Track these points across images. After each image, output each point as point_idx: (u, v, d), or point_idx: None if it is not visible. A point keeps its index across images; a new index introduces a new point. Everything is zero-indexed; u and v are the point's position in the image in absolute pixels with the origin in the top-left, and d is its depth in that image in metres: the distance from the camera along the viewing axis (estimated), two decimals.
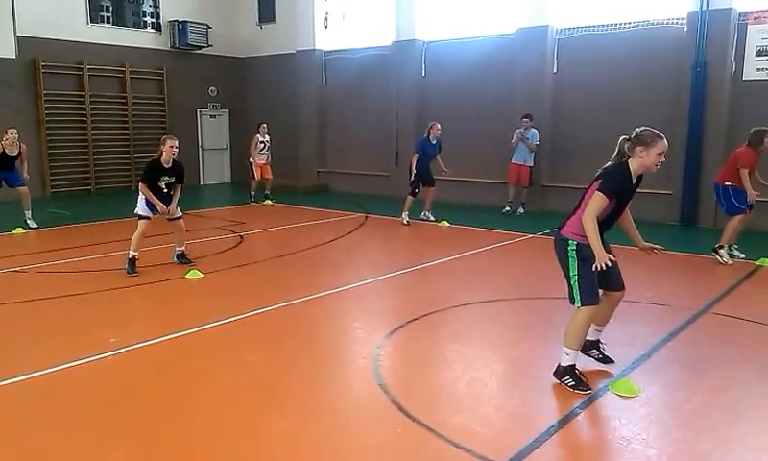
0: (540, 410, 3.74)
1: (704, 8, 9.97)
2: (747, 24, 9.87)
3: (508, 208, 11.56)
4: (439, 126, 10.19)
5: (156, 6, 15.42)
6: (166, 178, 7.00)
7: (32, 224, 9.60)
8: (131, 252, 6.84)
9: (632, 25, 10.89)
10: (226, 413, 3.62)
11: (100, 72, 14.45)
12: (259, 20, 16.85)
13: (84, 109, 14.25)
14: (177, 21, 15.49)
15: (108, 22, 14.63)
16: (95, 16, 14.36)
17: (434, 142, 10.17)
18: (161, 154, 6.89)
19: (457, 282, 6.81)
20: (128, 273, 6.77)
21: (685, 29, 10.28)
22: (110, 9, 14.63)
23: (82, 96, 14.18)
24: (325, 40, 15.57)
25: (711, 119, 10.14)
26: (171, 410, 3.69)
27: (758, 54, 9.79)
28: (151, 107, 15.48)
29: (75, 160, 14.35)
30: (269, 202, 12.85)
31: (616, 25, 11.06)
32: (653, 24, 10.68)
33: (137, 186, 7.19)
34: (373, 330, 5.17)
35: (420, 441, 3.31)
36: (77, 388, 3.99)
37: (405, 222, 10.18)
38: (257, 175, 12.94)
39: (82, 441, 3.33)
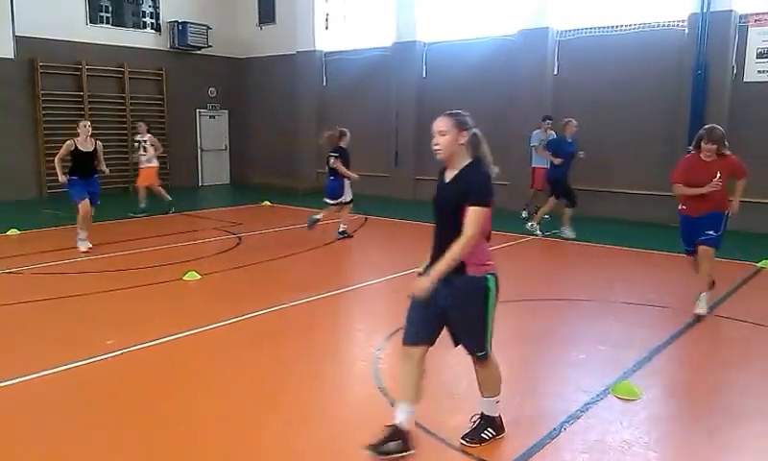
0: (541, 413, 3.71)
1: (704, 10, 9.96)
2: (748, 26, 9.86)
3: (548, 216, 10.18)
4: (575, 122, 9.13)
5: (155, 6, 15.41)
6: None
7: (83, 245, 8.11)
8: (342, 226, 9.07)
9: (633, 27, 10.87)
10: (224, 416, 3.58)
11: (98, 72, 14.41)
12: (259, 21, 16.84)
13: (82, 110, 14.21)
14: (176, 22, 15.48)
15: (108, 22, 14.61)
16: (94, 17, 14.35)
17: (570, 140, 9.10)
18: (346, 141, 8.88)
19: None
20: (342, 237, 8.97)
21: (686, 31, 10.26)
22: (110, 9, 14.62)
23: (80, 96, 14.15)
24: (326, 41, 15.56)
25: (712, 121, 9.97)
26: (169, 412, 3.66)
27: (759, 56, 9.78)
28: (150, 107, 15.45)
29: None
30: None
31: (617, 27, 11.04)
32: (654, 26, 10.66)
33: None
34: (373, 333, 5.14)
35: (420, 444, 3.27)
36: (74, 390, 3.96)
37: (571, 236, 8.99)
38: (142, 181, 11.41)
39: (80, 443, 3.30)
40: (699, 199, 5.24)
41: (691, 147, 5.40)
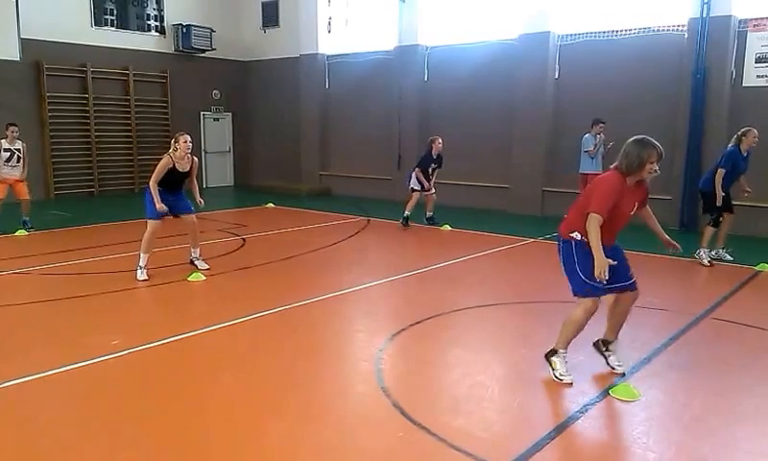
0: (541, 414, 3.77)
1: (704, 15, 10.03)
2: (747, 31, 9.93)
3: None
4: (756, 132, 7.50)
5: (160, 9, 15.51)
6: (434, 164, 10.38)
7: (202, 265, 7.18)
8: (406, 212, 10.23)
9: (633, 32, 10.94)
10: (227, 416, 3.63)
11: (103, 75, 14.51)
12: (263, 24, 16.93)
13: (87, 112, 14.32)
14: (181, 25, 15.58)
15: (113, 25, 14.72)
16: (99, 19, 14.45)
17: (745, 154, 7.58)
18: (431, 150, 10.26)
19: (458, 286, 6.83)
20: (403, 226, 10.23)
21: (686, 36, 10.33)
22: (115, 12, 14.72)
23: (85, 98, 14.25)
24: (329, 44, 15.65)
25: (711, 125, 10.19)
26: (173, 413, 3.71)
27: (758, 61, 9.84)
28: (154, 109, 15.55)
29: (78, 162, 14.42)
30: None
31: (618, 31, 11.10)
32: (654, 31, 10.74)
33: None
34: (375, 334, 5.20)
35: (422, 444, 3.34)
36: (79, 390, 4.02)
37: (707, 262, 7.62)
38: (1, 194, 9.37)
39: (85, 443, 3.35)
40: (614, 233, 4.07)
41: (623, 166, 3.92)
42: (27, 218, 9.70)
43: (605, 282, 3.88)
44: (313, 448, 3.30)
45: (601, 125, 10.07)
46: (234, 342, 4.95)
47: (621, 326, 4.34)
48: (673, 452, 3.30)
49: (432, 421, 3.53)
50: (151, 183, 6.69)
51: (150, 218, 6.78)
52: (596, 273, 3.81)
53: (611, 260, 3.84)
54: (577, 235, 4.00)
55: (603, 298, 4.09)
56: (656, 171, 3.88)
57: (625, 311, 4.29)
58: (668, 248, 4.38)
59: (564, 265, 4.09)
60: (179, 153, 6.74)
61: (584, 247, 3.95)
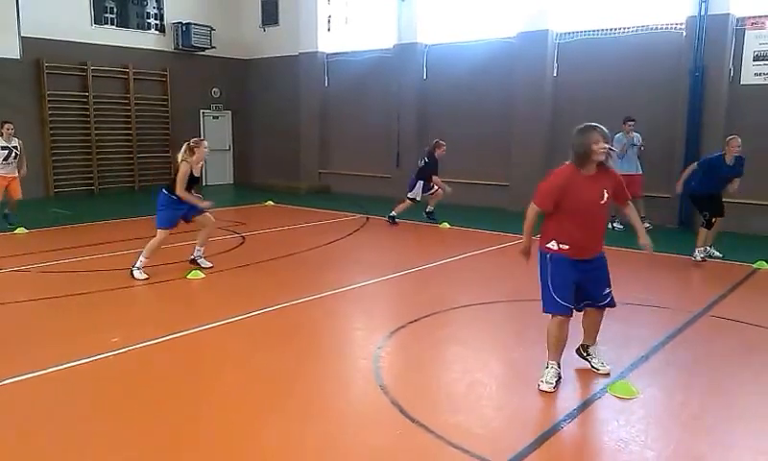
0: (539, 411, 3.79)
1: (702, 13, 10.04)
2: (744, 29, 9.94)
3: (621, 225, 9.72)
4: (739, 140, 7.45)
5: (159, 7, 15.50)
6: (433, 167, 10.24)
7: (205, 263, 7.17)
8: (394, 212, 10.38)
9: (631, 30, 10.96)
10: (227, 414, 3.65)
11: (103, 73, 14.52)
12: (262, 22, 16.93)
13: (87, 110, 14.32)
14: (180, 23, 15.58)
15: (113, 24, 14.72)
16: (99, 18, 14.45)
17: (731, 163, 7.42)
18: (435, 152, 10.19)
19: (457, 284, 6.86)
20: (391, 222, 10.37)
21: (684, 34, 10.35)
22: (115, 10, 14.72)
23: (85, 97, 14.25)
24: (328, 43, 15.66)
25: (709, 123, 10.20)
26: (172, 411, 3.73)
27: (756, 58, 9.86)
28: (154, 108, 15.55)
29: (78, 161, 14.41)
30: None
31: (616, 30, 11.12)
32: (652, 29, 10.75)
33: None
34: (374, 331, 5.22)
35: (420, 441, 3.35)
36: (79, 388, 4.03)
37: (700, 259, 7.69)
38: (15, 192, 9.66)
39: (84, 441, 3.36)
40: (590, 233, 3.91)
41: (574, 159, 3.85)
42: (9, 212, 9.76)
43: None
44: (312, 445, 3.32)
45: (630, 123, 9.79)
46: (233, 340, 4.97)
47: (597, 332, 4.25)
48: (671, 450, 3.32)
49: (430, 418, 3.55)
50: (180, 193, 6.64)
51: (160, 227, 6.75)
52: (519, 250, 4.13)
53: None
54: (553, 245, 3.90)
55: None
56: (605, 148, 3.76)
57: (595, 322, 4.21)
58: (642, 245, 4.19)
59: (540, 277, 4.01)
60: (195, 157, 6.70)
61: (557, 259, 3.89)
